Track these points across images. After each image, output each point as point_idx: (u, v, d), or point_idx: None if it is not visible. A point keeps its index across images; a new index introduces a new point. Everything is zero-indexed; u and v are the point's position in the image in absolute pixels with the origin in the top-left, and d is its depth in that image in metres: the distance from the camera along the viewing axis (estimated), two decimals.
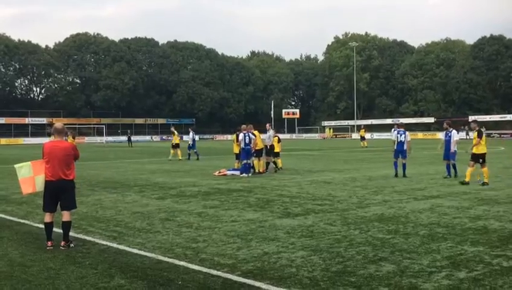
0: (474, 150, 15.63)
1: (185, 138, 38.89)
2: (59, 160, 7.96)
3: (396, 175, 17.84)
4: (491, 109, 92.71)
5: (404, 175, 17.76)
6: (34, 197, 13.59)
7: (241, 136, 19.89)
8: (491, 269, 6.42)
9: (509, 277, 6.06)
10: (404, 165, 18.03)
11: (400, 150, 18.11)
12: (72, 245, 7.90)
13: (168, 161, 29.83)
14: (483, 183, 15.11)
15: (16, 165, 8.56)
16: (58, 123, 8.72)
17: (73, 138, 26.46)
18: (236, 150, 21.18)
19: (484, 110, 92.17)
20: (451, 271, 6.32)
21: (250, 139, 19.72)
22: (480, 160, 15.49)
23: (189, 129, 33.45)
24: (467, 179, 15.44)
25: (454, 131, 17.69)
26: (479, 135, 15.64)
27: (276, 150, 21.81)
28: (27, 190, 8.44)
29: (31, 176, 8.31)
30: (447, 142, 17.57)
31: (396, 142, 18.15)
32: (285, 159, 22.71)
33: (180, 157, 30.54)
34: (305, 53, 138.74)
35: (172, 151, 31.17)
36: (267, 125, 22.82)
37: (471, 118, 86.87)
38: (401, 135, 18.20)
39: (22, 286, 6.08)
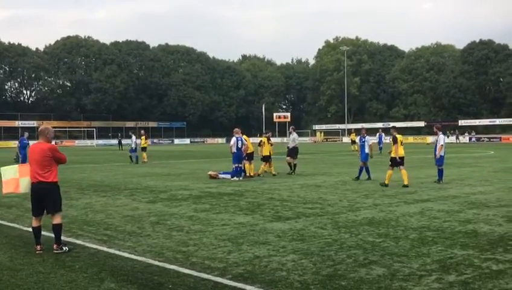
0: (393, 154, 16.61)
1: (127, 141, 39.59)
2: (36, 161, 7.89)
3: (358, 178, 18.49)
4: (481, 113, 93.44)
5: (368, 178, 18.38)
6: (23, 200, 13.53)
7: (233, 140, 19.94)
8: (480, 272, 6.45)
9: (499, 280, 6.10)
10: (366, 169, 18.66)
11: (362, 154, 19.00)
12: (65, 248, 7.81)
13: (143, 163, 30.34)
14: (404, 186, 15.88)
15: (1, 168, 8.53)
16: (42, 125, 8.62)
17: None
18: (265, 152, 21.52)
19: (473, 114, 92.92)
20: (441, 275, 6.35)
21: (242, 143, 19.80)
22: (390, 163, 16.57)
23: (130, 133, 34.35)
24: (386, 182, 16.28)
25: (441, 136, 17.47)
26: (394, 141, 16.63)
27: (266, 153, 21.81)
28: (7, 189, 8.37)
29: (15, 178, 8.26)
30: (435, 146, 17.47)
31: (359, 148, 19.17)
32: (276, 163, 22.75)
33: (146, 160, 31.33)
34: (296, 57, 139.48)
35: (143, 154, 32.02)
36: (291, 128, 23.76)
37: (462, 122, 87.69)
38: (361, 140, 19.00)
39: None
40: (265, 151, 21.77)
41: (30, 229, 9.70)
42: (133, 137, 32.24)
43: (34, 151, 7.98)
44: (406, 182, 16.06)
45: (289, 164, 21.77)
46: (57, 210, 8.02)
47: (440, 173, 17.12)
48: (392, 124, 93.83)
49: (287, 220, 10.39)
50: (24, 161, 24.90)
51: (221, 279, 6.31)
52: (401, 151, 16.59)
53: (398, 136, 16.71)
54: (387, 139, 76.39)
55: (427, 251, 7.58)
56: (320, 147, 64.49)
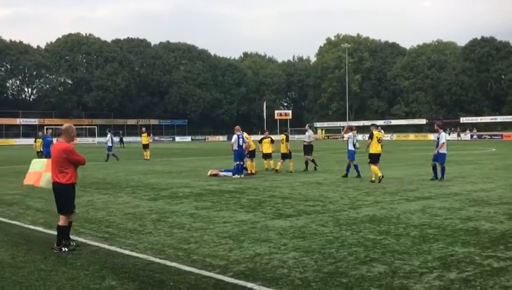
0: (370, 151, 17.06)
1: (102, 140, 39.82)
2: (53, 161, 7.90)
3: (346, 176, 18.62)
4: (482, 110, 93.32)
5: (358, 175, 18.43)
6: (24, 198, 13.60)
7: (234, 137, 19.97)
8: (481, 269, 6.45)
9: (500, 278, 6.10)
10: (355, 167, 18.72)
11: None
12: (64, 249, 7.73)
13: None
14: (372, 181, 16.53)
15: (33, 160, 8.65)
16: (66, 123, 8.51)
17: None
18: (283, 149, 21.76)
19: (475, 111, 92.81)
20: (442, 272, 6.35)
21: (244, 140, 19.83)
22: (369, 159, 17.01)
23: (107, 131, 34.57)
24: (375, 178, 16.64)
25: (442, 133, 17.51)
26: (369, 137, 17.25)
27: (268, 151, 22.11)
28: (28, 181, 8.47)
29: (40, 171, 8.33)
30: (436, 143, 17.37)
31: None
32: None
33: (148, 158, 31.55)
34: (297, 54, 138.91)
35: (145, 152, 32.08)
36: (307, 125, 24.30)
37: (463, 119, 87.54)
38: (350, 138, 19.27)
39: (12, 288, 6.04)
40: (266, 148, 22.05)
41: (31, 227, 9.75)
42: (108, 135, 32.48)
43: (53, 150, 7.97)
44: (373, 178, 16.69)
45: (306, 162, 22.00)
46: (65, 211, 7.92)
47: (442, 170, 17.06)
48: (393, 122, 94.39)
49: (288, 217, 10.40)
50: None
51: (222, 276, 6.32)
52: (377, 148, 17.03)
53: (375, 132, 17.21)
54: (387, 137, 75.87)
55: (428, 248, 7.58)
56: (321, 144, 64.41)
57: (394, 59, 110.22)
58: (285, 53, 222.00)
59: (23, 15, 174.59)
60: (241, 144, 19.73)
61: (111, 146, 31.74)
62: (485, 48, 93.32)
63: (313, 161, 22.06)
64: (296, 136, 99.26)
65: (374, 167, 16.76)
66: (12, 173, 22.98)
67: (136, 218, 10.57)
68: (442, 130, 17.60)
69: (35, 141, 27.76)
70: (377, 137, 17.20)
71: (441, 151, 17.15)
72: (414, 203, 12.03)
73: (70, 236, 8.07)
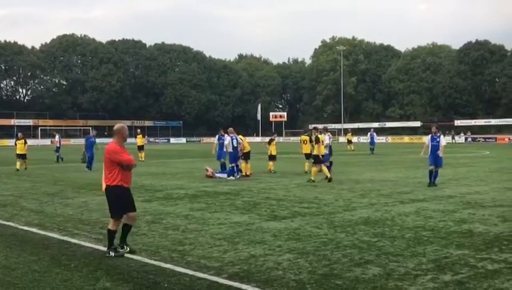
0: (315, 152, 18.20)
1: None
2: (104, 163, 7.64)
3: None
4: (476, 113, 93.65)
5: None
6: (19, 199, 13.54)
7: (228, 139, 19.96)
8: (476, 272, 6.46)
9: (494, 280, 6.11)
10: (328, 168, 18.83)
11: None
12: (110, 254, 7.40)
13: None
14: (328, 179, 17.55)
15: None
16: (118, 124, 8.09)
17: (25, 142, 25.78)
18: (306, 150, 21.51)
19: (469, 114, 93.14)
20: (437, 274, 6.36)
21: (238, 142, 19.83)
22: (313, 160, 18.22)
23: (55, 133, 35.20)
24: (312, 178, 17.58)
25: (442, 136, 17.30)
26: (317, 141, 18.21)
27: (275, 153, 22.41)
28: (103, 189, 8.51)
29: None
30: (434, 147, 16.74)
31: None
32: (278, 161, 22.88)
33: (142, 159, 31.49)
34: (292, 56, 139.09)
35: (139, 154, 32.09)
36: (323, 127, 24.27)
37: (458, 122, 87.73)
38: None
39: (6, 289, 6.01)
40: (274, 150, 22.31)
41: (25, 228, 9.71)
42: (57, 136, 33.28)
43: (104, 151, 7.64)
44: (329, 175, 17.74)
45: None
46: (111, 215, 7.62)
47: (436, 174, 16.75)
48: (388, 124, 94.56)
49: (283, 219, 10.39)
50: (91, 161, 24.49)
51: (217, 278, 6.31)
52: (322, 150, 17.99)
53: (320, 136, 18.27)
54: (381, 139, 75.72)
55: (423, 250, 7.60)
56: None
57: (389, 62, 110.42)
58: (280, 55, 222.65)
59: (18, 16, 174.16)
60: (235, 145, 19.73)
61: (59, 147, 32.53)
62: (479, 51, 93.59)
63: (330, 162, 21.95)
64: (291, 138, 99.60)
65: (324, 168, 17.89)
66: (5, 174, 22.89)
67: None
68: (440, 133, 17.40)
69: (15, 143, 26.69)
70: (322, 140, 18.29)
71: (442, 154, 16.77)
72: (408, 206, 12.05)
73: (64, 238, 8.02)
